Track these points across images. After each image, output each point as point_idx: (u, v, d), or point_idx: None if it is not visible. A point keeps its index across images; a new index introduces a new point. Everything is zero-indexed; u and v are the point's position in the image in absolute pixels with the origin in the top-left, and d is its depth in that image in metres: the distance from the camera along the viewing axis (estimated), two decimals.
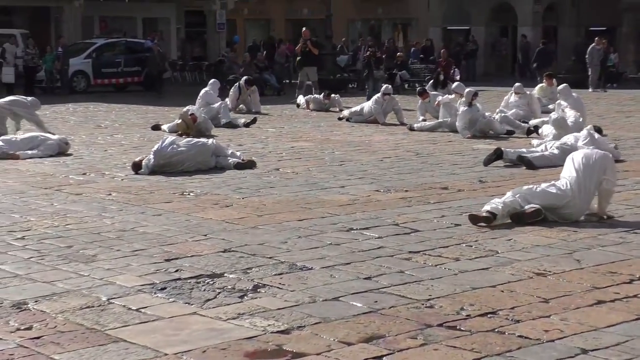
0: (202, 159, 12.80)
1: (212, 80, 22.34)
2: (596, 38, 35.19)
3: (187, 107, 18.03)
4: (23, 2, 40.10)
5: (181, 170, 12.52)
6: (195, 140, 13.29)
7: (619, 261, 7.68)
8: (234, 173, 12.58)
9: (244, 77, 24.54)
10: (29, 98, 17.77)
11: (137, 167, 12.48)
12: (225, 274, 7.17)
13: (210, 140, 13.32)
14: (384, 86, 21.23)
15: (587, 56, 34.10)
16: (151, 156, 12.51)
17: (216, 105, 19.90)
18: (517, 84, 21.25)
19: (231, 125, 19.27)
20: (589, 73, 34.01)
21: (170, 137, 13.10)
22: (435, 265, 7.50)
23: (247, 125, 19.49)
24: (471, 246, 8.22)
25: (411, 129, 18.56)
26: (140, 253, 7.83)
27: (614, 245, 8.27)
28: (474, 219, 9.13)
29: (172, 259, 7.62)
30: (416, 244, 8.29)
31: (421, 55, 38.20)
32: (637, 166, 13.34)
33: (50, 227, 8.86)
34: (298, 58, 27.79)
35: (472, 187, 11.52)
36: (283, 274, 7.21)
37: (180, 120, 17.55)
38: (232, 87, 23.90)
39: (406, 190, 11.20)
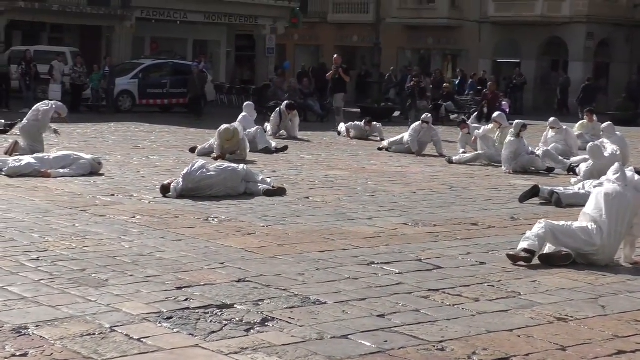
0: (231, 185, 12.67)
1: (246, 104, 22.12)
2: None
3: (223, 125, 17.78)
4: (75, 21, 40.59)
5: (210, 195, 12.39)
6: (226, 165, 13.16)
7: None
8: (262, 200, 12.43)
9: (285, 102, 24.44)
10: (58, 103, 17.65)
11: (165, 190, 12.38)
12: (235, 305, 6.99)
13: (241, 166, 13.19)
14: (424, 114, 20.99)
15: None
16: (180, 179, 12.41)
17: (252, 130, 19.79)
18: (552, 119, 20.91)
19: (267, 150, 19.15)
20: None
21: (201, 161, 12.97)
22: (453, 305, 7.27)
23: (277, 150, 19.32)
24: (493, 286, 7.97)
25: (450, 161, 18.31)
26: (152, 279, 7.68)
27: None
28: (514, 259, 8.87)
29: (184, 287, 7.46)
30: (437, 281, 8.05)
31: (479, 87, 37.79)
32: None
33: (67, 249, 8.74)
34: (330, 85, 27.58)
35: (503, 224, 11.25)
36: (295, 307, 7.01)
37: (213, 140, 17.52)
38: (274, 113, 23.81)
39: (435, 225, 10.96)
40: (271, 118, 23.77)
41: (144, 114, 30.70)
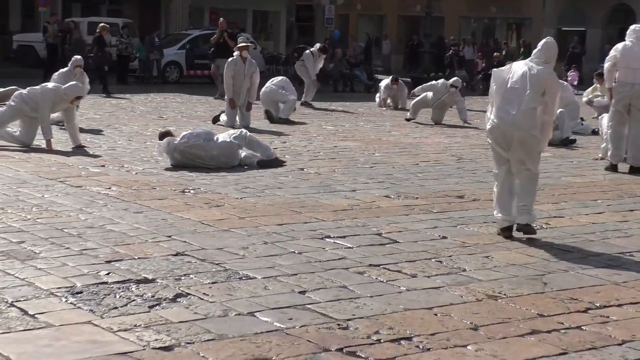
0: (224, 160, 12.35)
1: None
2: None
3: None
4: None
5: (201, 165, 12.19)
6: (224, 140, 12.72)
7: (590, 286, 7.04)
8: (255, 172, 12.21)
9: (317, 44, 24.51)
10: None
11: (163, 136, 12.36)
12: (156, 280, 6.83)
13: (242, 132, 12.88)
14: (454, 78, 20.40)
15: None
16: (178, 138, 12.25)
17: (290, 98, 19.40)
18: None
19: (287, 121, 18.90)
20: None
21: (204, 130, 12.81)
22: (387, 282, 7.00)
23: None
24: (441, 262, 7.68)
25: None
26: (87, 252, 7.55)
27: (599, 267, 7.61)
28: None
29: (115, 261, 7.32)
30: (383, 256, 7.78)
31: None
32: None
33: (19, 221, 8.65)
34: (212, 49, 26.65)
35: (490, 197, 10.83)
36: (217, 282, 6.82)
37: None
38: (306, 59, 23.56)
39: (416, 197, 10.65)
40: (305, 63, 23.48)
41: (190, 85, 30.69)
